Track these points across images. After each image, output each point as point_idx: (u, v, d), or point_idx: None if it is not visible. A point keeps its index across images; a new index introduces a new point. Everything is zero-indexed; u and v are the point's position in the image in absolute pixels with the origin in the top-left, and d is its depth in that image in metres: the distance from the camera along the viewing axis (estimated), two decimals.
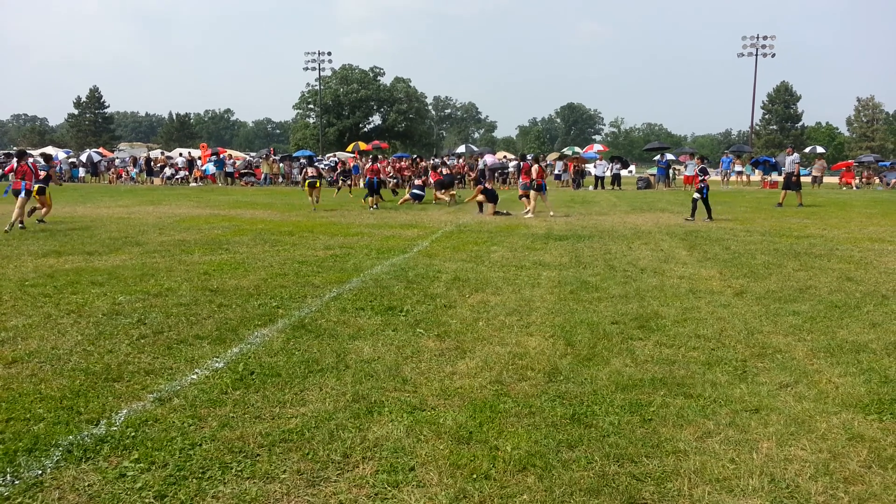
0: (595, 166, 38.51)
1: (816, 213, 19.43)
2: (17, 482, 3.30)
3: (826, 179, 40.12)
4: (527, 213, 18.15)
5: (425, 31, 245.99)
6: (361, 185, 35.53)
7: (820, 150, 52.84)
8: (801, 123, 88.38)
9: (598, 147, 49.66)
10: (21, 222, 14.30)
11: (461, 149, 48.21)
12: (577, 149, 48.29)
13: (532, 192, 18.24)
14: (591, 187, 35.52)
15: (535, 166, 18.42)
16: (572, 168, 38.10)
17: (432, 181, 25.68)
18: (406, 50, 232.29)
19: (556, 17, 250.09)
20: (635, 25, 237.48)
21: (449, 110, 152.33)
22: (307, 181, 21.56)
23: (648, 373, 4.95)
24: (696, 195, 17.12)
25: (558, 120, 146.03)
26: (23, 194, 14.30)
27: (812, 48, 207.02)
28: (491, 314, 6.73)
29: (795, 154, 22.32)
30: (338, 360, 5.20)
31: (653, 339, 5.85)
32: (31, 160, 15.44)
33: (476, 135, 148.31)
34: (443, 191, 23.97)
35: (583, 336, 5.90)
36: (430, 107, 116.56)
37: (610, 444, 3.74)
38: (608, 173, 36.97)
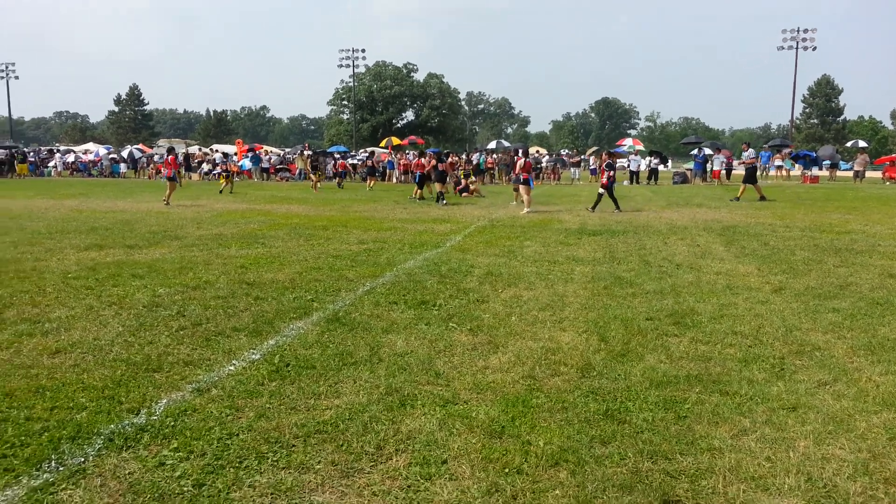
0: (629, 161, 37.95)
1: (858, 208, 18.96)
2: (61, 468, 3.40)
3: (868, 174, 39.07)
4: (524, 210, 17.72)
5: (457, 26, 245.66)
6: (394, 180, 35.74)
7: (862, 144, 51.36)
8: (842, 117, 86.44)
9: (629, 142, 48.83)
10: (167, 201, 19.36)
11: (492, 144, 47.90)
12: (640, 147, 47.59)
13: (522, 187, 18.08)
14: (625, 182, 35.08)
15: (522, 160, 18.12)
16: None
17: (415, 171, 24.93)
18: (439, 46, 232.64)
19: (591, 9, 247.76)
20: (672, 17, 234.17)
21: (482, 105, 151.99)
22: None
23: (683, 369, 4.90)
24: (602, 190, 17.97)
25: (593, 115, 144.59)
26: (168, 180, 20.19)
27: (855, 40, 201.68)
28: (524, 309, 6.72)
29: (751, 150, 23.95)
30: (371, 354, 5.24)
31: (688, 335, 5.79)
32: (171, 155, 20.87)
33: (509, 130, 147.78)
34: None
35: (616, 332, 5.86)
36: (462, 102, 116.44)
37: (643, 441, 3.72)
38: (644, 168, 36.49)
